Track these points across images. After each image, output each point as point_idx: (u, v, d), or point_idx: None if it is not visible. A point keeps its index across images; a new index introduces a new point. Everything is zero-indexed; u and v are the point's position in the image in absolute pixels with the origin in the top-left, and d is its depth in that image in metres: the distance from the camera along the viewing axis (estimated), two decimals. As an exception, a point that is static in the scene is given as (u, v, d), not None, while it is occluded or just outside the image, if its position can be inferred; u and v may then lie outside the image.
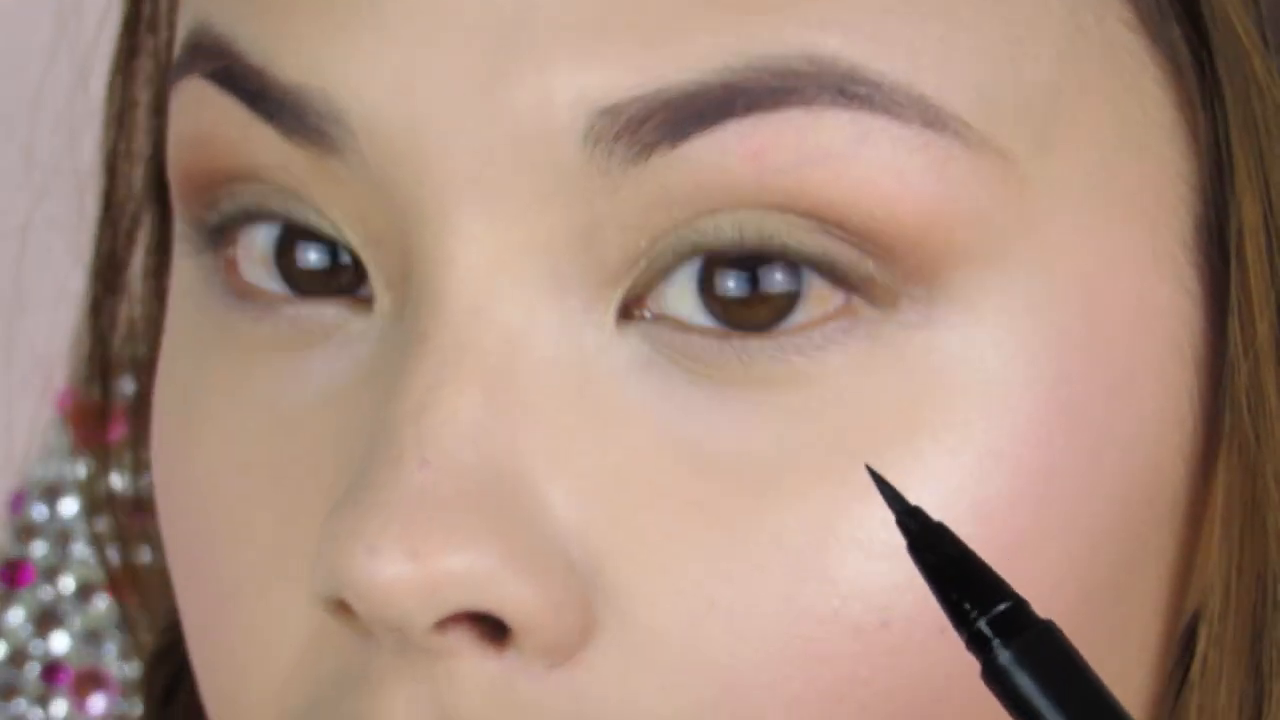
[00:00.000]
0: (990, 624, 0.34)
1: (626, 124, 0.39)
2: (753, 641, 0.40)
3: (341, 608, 0.40)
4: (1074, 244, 0.41)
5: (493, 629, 0.40)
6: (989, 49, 0.40)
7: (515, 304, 0.40)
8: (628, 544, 0.40)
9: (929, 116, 0.40)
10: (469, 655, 0.40)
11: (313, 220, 0.42)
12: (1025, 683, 0.34)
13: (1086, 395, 0.41)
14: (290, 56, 0.41)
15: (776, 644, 0.40)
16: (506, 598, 0.39)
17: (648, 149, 0.39)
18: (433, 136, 0.40)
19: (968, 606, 0.35)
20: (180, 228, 0.45)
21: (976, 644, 0.34)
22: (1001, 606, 0.35)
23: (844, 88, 0.39)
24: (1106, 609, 0.42)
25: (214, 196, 0.43)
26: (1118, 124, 0.42)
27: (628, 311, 0.41)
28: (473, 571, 0.39)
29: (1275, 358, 0.43)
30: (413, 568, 0.38)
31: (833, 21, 0.39)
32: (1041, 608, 0.38)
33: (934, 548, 0.35)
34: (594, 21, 0.39)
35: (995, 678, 0.34)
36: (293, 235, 0.43)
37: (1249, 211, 0.42)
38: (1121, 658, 0.43)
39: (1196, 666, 0.44)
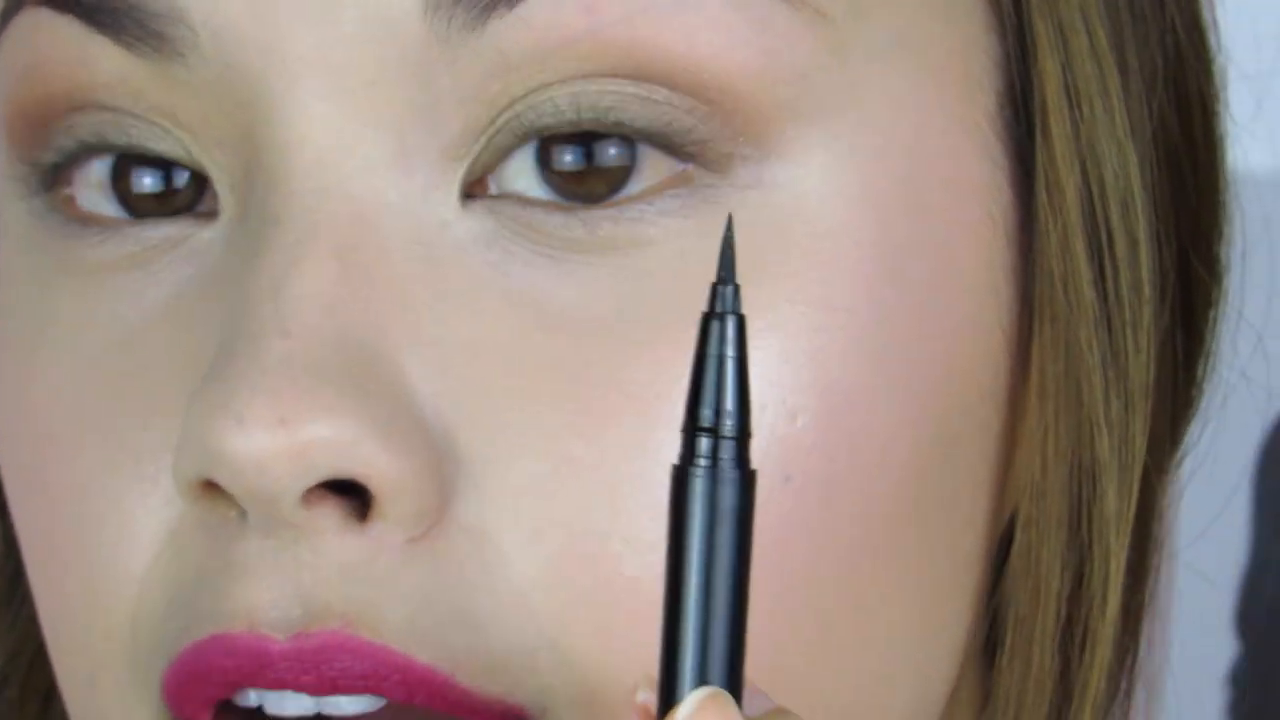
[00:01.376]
0: (711, 439, 0.36)
1: None
2: (606, 491, 0.41)
3: (206, 491, 0.40)
4: (890, 109, 0.43)
5: (355, 505, 0.40)
6: None
7: (363, 182, 0.41)
8: (481, 411, 0.41)
9: None
10: (334, 531, 0.40)
11: (149, 143, 0.42)
12: (698, 510, 0.36)
13: (910, 254, 0.43)
14: None
15: (629, 492, 0.41)
16: (372, 462, 0.40)
17: (486, 11, 0.40)
18: (274, 19, 0.40)
19: (708, 410, 0.36)
20: (10, 170, 0.45)
21: (687, 447, 0.36)
22: (729, 430, 0.36)
23: None
24: (934, 473, 0.43)
25: (48, 132, 0.43)
26: None
27: (470, 192, 0.42)
28: (339, 437, 0.40)
29: (1083, 225, 0.44)
30: (282, 434, 0.39)
31: None
32: (874, 462, 0.40)
33: (721, 336, 0.36)
34: None
35: (677, 484, 0.36)
36: (127, 163, 0.43)
37: (1050, 83, 0.44)
38: (949, 527, 0.44)
39: (1017, 537, 0.45)
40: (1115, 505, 0.45)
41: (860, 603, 0.41)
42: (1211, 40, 0.49)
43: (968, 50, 0.44)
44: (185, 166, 0.43)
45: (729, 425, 0.36)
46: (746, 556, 0.37)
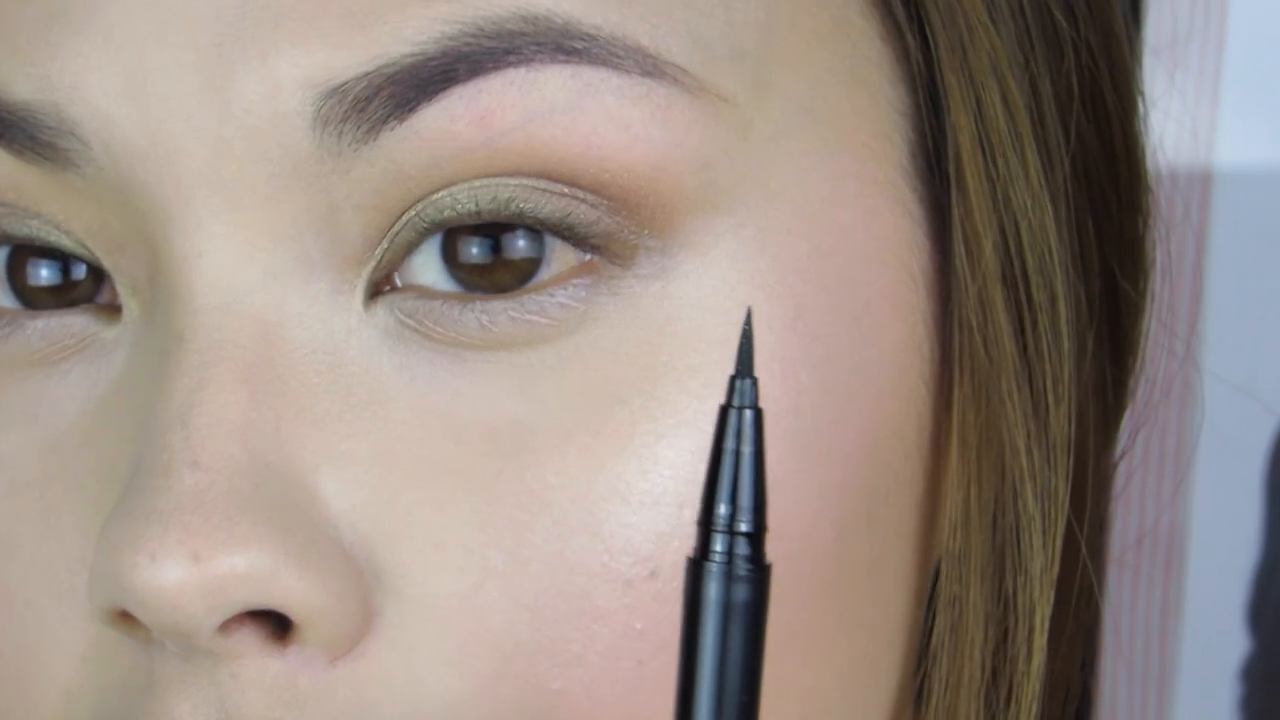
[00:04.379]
0: (726, 535, 0.36)
1: (354, 103, 0.39)
2: (528, 604, 0.40)
3: (123, 617, 0.40)
4: (798, 180, 0.42)
5: (275, 627, 0.40)
6: None
7: (265, 294, 0.40)
8: (398, 524, 0.40)
9: (647, 65, 0.40)
10: (253, 655, 0.40)
11: (44, 236, 0.42)
12: (712, 604, 0.36)
13: (826, 327, 0.42)
14: (17, 72, 0.41)
15: (551, 604, 0.40)
16: (290, 593, 0.39)
17: (377, 126, 0.39)
18: (166, 135, 0.40)
19: (722, 507, 0.36)
20: None
21: (702, 542, 0.36)
22: (744, 526, 0.36)
23: (561, 43, 0.40)
24: (861, 541, 0.43)
25: None
26: (828, 59, 0.42)
27: (376, 290, 0.41)
28: (254, 569, 0.39)
29: (1000, 276, 0.44)
30: (196, 570, 0.38)
31: None
32: (798, 542, 0.39)
33: (738, 430, 0.36)
34: (310, 9, 0.39)
35: (692, 578, 0.36)
36: (22, 254, 0.43)
37: (964, 133, 0.43)
38: (875, 591, 0.44)
39: (943, 590, 0.45)
40: (1039, 558, 0.45)
41: (787, 685, 0.41)
42: (1125, 46, 0.48)
43: (876, 109, 0.43)
44: (84, 261, 0.43)
45: (745, 521, 0.36)
46: (760, 652, 0.36)
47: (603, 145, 0.40)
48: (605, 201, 0.41)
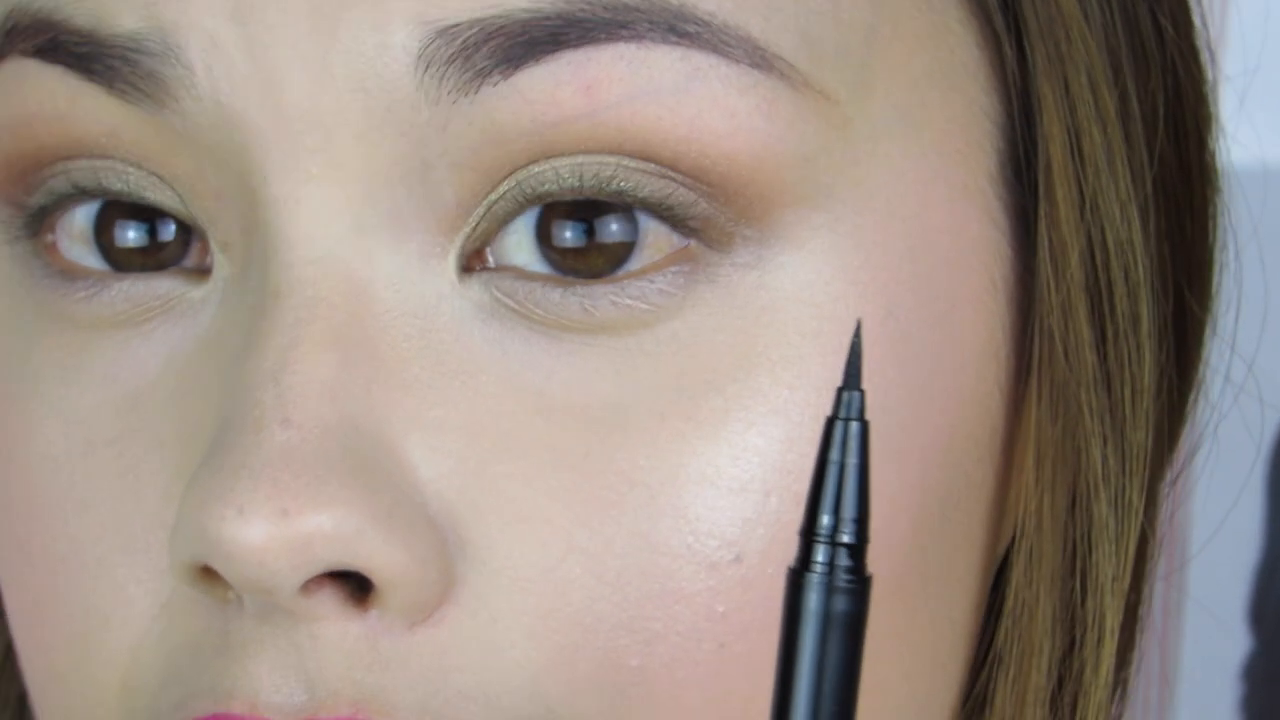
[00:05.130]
0: (828, 545, 0.35)
1: (461, 47, 0.39)
2: (610, 581, 0.40)
3: (202, 574, 0.40)
4: (894, 182, 0.42)
5: (356, 589, 0.40)
6: None
7: (356, 249, 0.40)
8: (484, 495, 0.40)
9: (756, 57, 0.40)
10: (333, 618, 0.39)
11: (144, 191, 0.42)
12: (811, 614, 0.35)
13: (913, 328, 0.42)
14: (123, 7, 0.40)
15: (634, 582, 0.40)
16: (374, 554, 0.39)
17: (479, 77, 0.39)
18: (271, 60, 0.39)
19: (825, 517, 0.35)
20: None
21: (804, 551, 0.35)
22: (847, 538, 0.35)
23: (674, 25, 0.39)
24: (934, 541, 0.43)
25: (37, 179, 0.42)
26: (928, 64, 0.42)
27: (469, 264, 0.41)
28: (341, 529, 0.38)
29: (1085, 288, 0.43)
30: (283, 526, 0.38)
31: None
32: (876, 538, 0.39)
33: (844, 442, 0.36)
34: None
35: (793, 587, 0.35)
36: (110, 214, 0.42)
37: (1056, 146, 0.43)
38: (946, 591, 0.44)
39: (1010, 598, 0.44)
40: (1110, 567, 0.45)
41: (865, 678, 0.41)
42: (1205, 68, 0.48)
43: (969, 115, 0.43)
44: (176, 218, 0.42)
45: (847, 532, 0.36)
46: (857, 663, 0.35)
47: (706, 131, 0.40)
48: (704, 187, 0.40)
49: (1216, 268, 0.49)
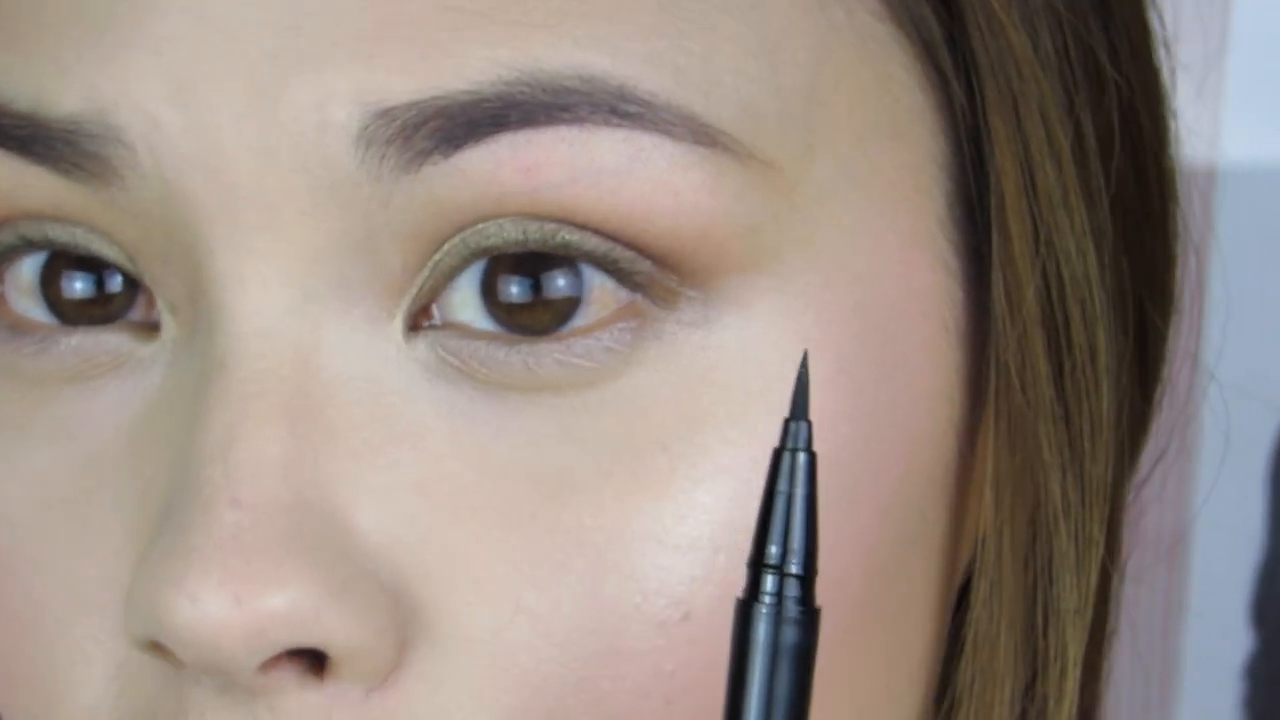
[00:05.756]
0: (777, 576, 0.36)
1: (400, 129, 0.39)
2: (559, 641, 0.40)
3: (157, 647, 0.40)
4: (841, 239, 0.42)
5: (312, 660, 0.40)
6: (749, 60, 0.41)
7: (303, 318, 0.40)
8: (433, 558, 0.40)
9: (700, 134, 0.40)
10: (291, 690, 0.39)
11: (87, 244, 0.42)
12: (760, 646, 0.36)
13: (864, 381, 0.42)
14: (63, 88, 0.40)
15: (581, 642, 0.40)
16: (331, 632, 0.39)
17: (420, 157, 0.39)
18: (213, 141, 0.39)
19: (773, 548, 0.36)
20: None
21: (752, 582, 0.36)
22: (795, 568, 0.36)
23: (615, 107, 0.39)
24: (892, 585, 0.43)
25: None
26: (871, 115, 0.42)
27: (415, 323, 0.41)
28: (296, 610, 0.39)
29: (1041, 322, 0.43)
30: (237, 612, 0.38)
31: (603, 40, 0.39)
32: (833, 589, 0.39)
33: (791, 473, 0.36)
34: (372, 29, 0.39)
35: (742, 618, 0.36)
36: (57, 266, 0.42)
37: (1008, 179, 0.43)
38: (906, 630, 0.44)
39: (971, 630, 0.45)
40: (1073, 598, 0.45)
41: (822, 716, 0.41)
42: (1162, 78, 0.48)
43: (916, 162, 0.43)
44: (123, 272, 0.42)
45: (795, 563, 0.36)
46: (807, 694, 0.36)
47: (650, 209, 0.40)
48: (649, 257, 0.40)
49: (1177, 277, 0.49)
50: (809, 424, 0.36)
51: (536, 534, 0.40)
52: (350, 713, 0.40)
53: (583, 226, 0.40)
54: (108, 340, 0.43)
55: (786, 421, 0.36)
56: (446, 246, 0.40)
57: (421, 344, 0.41)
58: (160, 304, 0.42)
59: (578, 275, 0.40)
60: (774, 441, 0.39)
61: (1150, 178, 0.48)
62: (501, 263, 0.41)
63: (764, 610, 0.35)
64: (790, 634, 0.36)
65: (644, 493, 0.40)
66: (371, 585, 0.40)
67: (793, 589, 0.36)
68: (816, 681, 0.38)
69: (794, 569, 0.36)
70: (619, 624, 0.40)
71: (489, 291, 0.41)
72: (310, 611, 0.39)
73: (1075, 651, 0.45)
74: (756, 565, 0.36)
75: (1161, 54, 0.48)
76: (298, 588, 0.39)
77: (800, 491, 0.36)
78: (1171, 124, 0.49)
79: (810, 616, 0.36)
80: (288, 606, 0.38)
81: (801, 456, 0.36)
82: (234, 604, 0.38)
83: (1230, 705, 1.08)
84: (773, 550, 0.36)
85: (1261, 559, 1.09)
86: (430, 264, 0.40)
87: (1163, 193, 0.48)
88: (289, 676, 0.40)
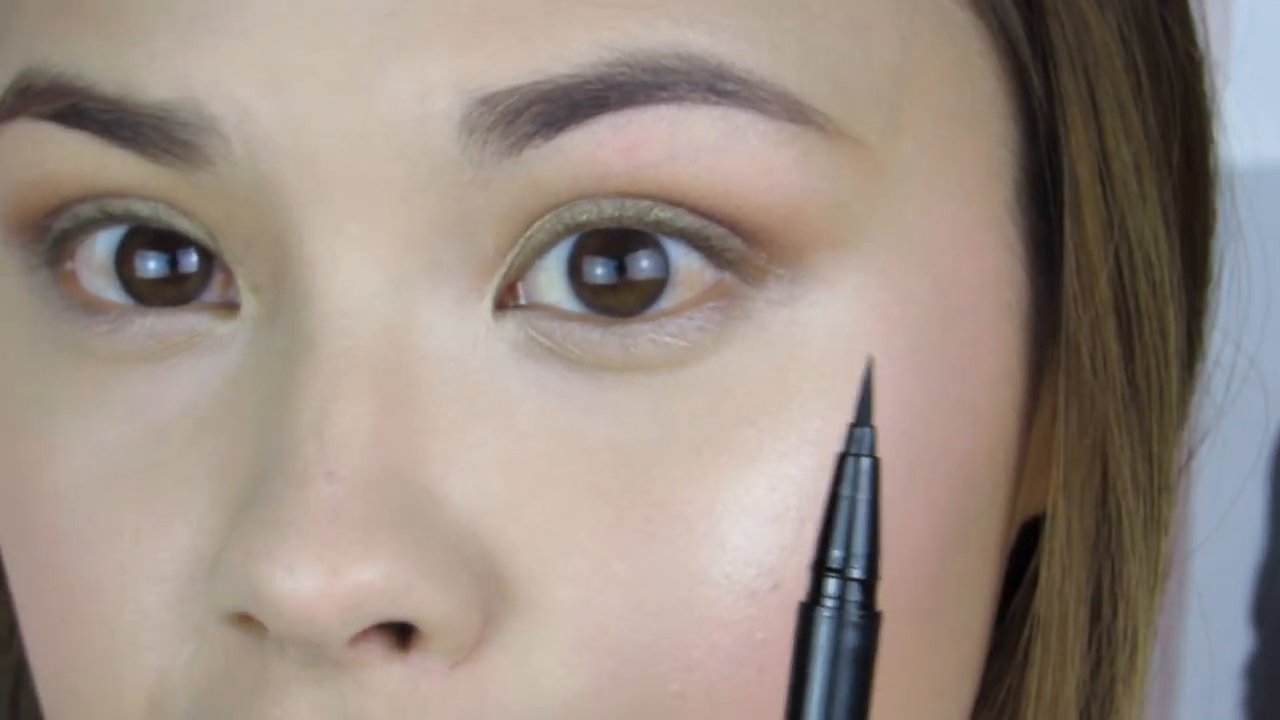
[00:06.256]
0: (839, 580, 0.36)
1: (503, 114, 0.39)
2: (650, 611, 0.40)
3: (242, 619, 0.40)
4: (921, 220, 0.42)
5: (399, 634, 0.40)
6: (841, 38, 0.41)
7: (394, 300, 0.40)
8: (521, 532, 0.40)
9: (793, 111, 0.40)
10: (378, 664, 0.40)
11: (166, 218, 0.42)
12: (822, 648, 0.36)
13: (938, 360, 0.42)
14: (151, 75, 0.40)
15: (673, 611, 0.40)
16: (422, 605, 0.39)
17: (522, 140, 0.39)
18: (309, 132, 0.39)
19: (836, 552, 0.36)
20: (8, 237, 0.44)
21: (815, 586, 0.36)
22: (857, 573, 0.36)
23: (713, 85, 0.40)
24: (958, 562, 0.43)
25: (58, 214, 0.42)
26: (953, 99, 0.43)
27: (502, 302, 0.41)
28: (390, 584, 0.39)
29: (1114, 306, 0.44)
30: (333, 584, 0.38)
31: (700, 19, 0.40)
32: (905, 563, 0.40)
33: (854, 478, 0.36)
34: (470, 15, 0.39)
35: (803, 621, 0.36)
36: (131, 245, 0.42)
37: (1084, 164, 0.43)
38: (967, 611, 0.44)
39: (1040, 612, 0.45)
40: (1143, 581, 0.45)
41: (884, 697, 0.41)
42: (1206, 71, 0.49)
43: (990, 146, 0.44)
44: (200, 246, 0.42)
45: (858, 567, 0.36)
46: (867, 698, 0.36)
47: (744, 186, 0.40)
48: (740, 231, 0.41)
49: (1216, 265, 0.49)
50: (873, 429, 0.36)
51: (626, 507, 0.41)
52: (436, 685, 0.40)
53: (678, 204, 0.40)
54: (183, 320, 0.42)
55: (851, 427, 0.36)
56: (539, 223, 0.40)
57: (510, 323, 0.41)
58: (241, 283, 0.42)
59: (664, 257, 0.41)
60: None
61: (1198, 166, 0.48)
62: (588, 244, 0.41)
63: (826, 614, 0.36)
64: (851, 638, 0.36)
65: (732, 466, 0.41)
66: (460, 559, 0.40)
67: (854, 593, 0.36)
68: (892, 657, 0.38)
69: (856, 573, 0.36)
70: (710, 594, 0.40)
71: (575, 272, 0.41)
72: (403, 584, 0.39)
73: (1146, 633, 0.45)
74: (819, 568, 0.36)
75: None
76: (391, 561, 0.39)
77: (863, 496, 0.36)
78: (1213, 113, 0.49)
79: (872, 621, 0.36)
80: (383, 579, 0.39)
81: (865, 462, 0.36)
82: (330, 576, 0.38)
83: (1230, 705, 1.09)
84: (836, 554, 0.36)
85: (1261, 559, 1.09)
86: (521, 240, 0.41)
87: (1208, 180, 0.49)
88: (376, 650, 0.40)
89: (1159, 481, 0.45)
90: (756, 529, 0.41)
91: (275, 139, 0.40)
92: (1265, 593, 1.09)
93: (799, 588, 0.39)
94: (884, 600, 0.40)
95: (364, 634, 0.39)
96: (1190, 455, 0.54)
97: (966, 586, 0.44)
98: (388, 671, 0.40)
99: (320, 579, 0.38)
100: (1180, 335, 0.45)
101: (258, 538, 0.39)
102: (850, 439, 0.36)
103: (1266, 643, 1.09)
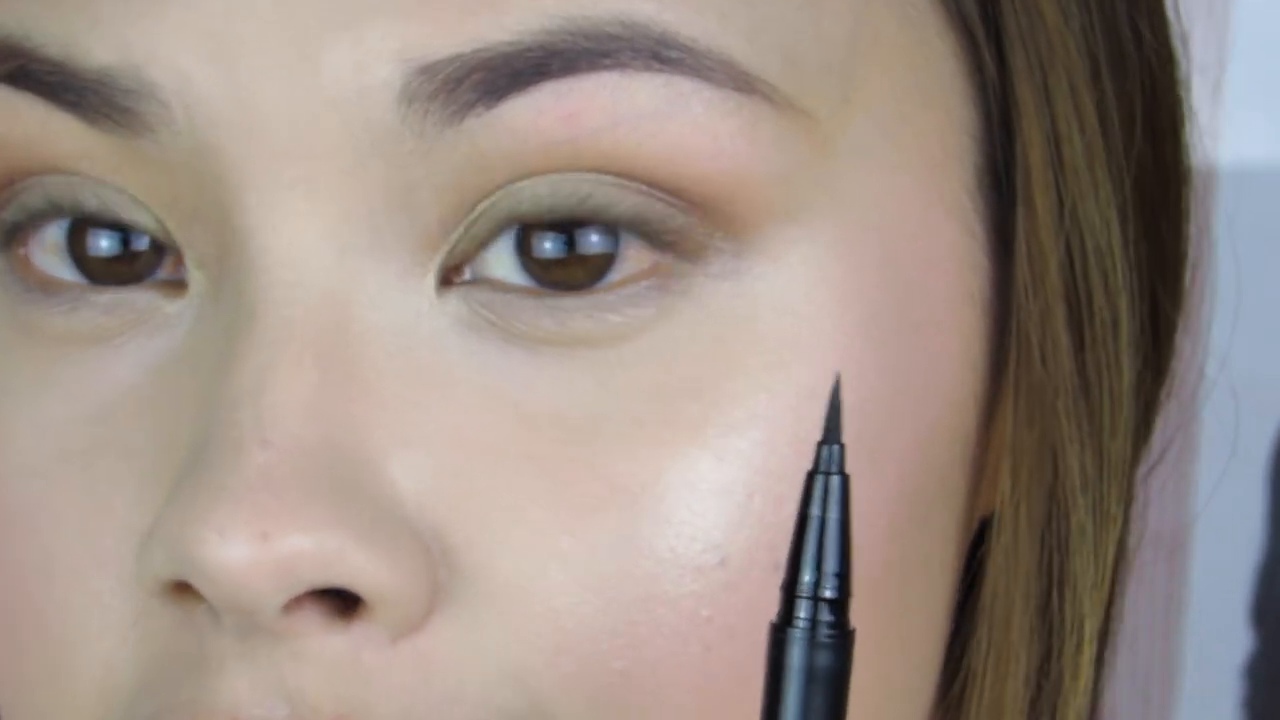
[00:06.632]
0: (810, 601, 0.35)
1: (443, 83, 0.39)
2: (594, 586, 0.40)
3: (176, 590, 0.40)
4: (872, 195, 0.42)
5: (339, 604, 0.40)
6: (791, 10, 0.41)
7: (338, 272, 0.40)
8: (466, 507, 0.40)
9: (739, 81, 0.40)
10: (315, 634, 0.39)
11: (111, 209, 0.41)
12: (795, 670, 0.35)
13: (893, 335, 0.42)
14: (95, 40, 0.40)
15: (618, 587, 0.40)
16: (359, 572, 0.39)
17: (463, 109, 0.39)
18: (251, 101, 0.39)
19: (807, 574, 0.35)
20: None
21: (786, 606, 0.35)
22: (829, 593, 0.35)
23: (657, 52, 0.40)
24: (913, 545, 0.43)
25: (7, 195, 0.42)
26: (906, 76, 0.42)
27: (447, 279, 0.41)
28: (323, 549, 0.38)
29: (1064, 295, 0.43)
30: (264, 549, 0.38)
31: None
32: (856, 543, 0.39)
33: (824, 496, 0.36)
34: None
35: (775, 643, 0.35)
36: (84, 224, 0.42)
37: (1035, 149, 0.43)
38: (923, 597, 0.44)
39: (986, 603, 0.44)
40: (1090, 573, 0.45)
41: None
42: (1179, 66, 0.48)
43: (947, 127, 0.43)
44: (149, 235, 0.42)
45: (829, 587, 0.36)
46: (842, 717, 0.36)
47: (688, 154, 0.40)
48: (683, 204, 0.40)
49: (1189, 266, 0.49)
50: (842, 447, 0.36)
51: (570, 480, 0.40)
52: (377, 656, 0.40)
53: (621, 175, 0.40)
54: (134, 299, 0.42)
55: (819, 445, 0.36)
56: (480, 209, 0.40)
57: (454, 298, 0.41)
58: (188, 261, 0.41)
59: (612, 233, 0.41)
60: (807, 388, 0.40)
61: (1168, 164, 0.48)
62: (535, 223, 0.40)
63: (798, 635, 0.36)
64: (824, 659, 0.36)
65: (676, 440, 0.40)
66: (401, 530, 0.40)
67: (826, 613, 0.36)
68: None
69: (828, 593, 0.36)
70: (655, 569, 0.40)
71: (524, 248, 0.41)
72: (337, 551, 0.39)
73: (1092, 626, 0.45)
74: (790, 590, 0.35)
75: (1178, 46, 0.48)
76: (326, 528, 0.39)
77: (833, 515, 0.36)
78: (1186, 114, 0.49)
79: (845, 640, 0.35)
80: (315, 545, 0.38)
81: (834, 480, 0.36)
82: (262, 540, 0.38)
83: (1230, 705, 1.09)
84: (806, 577, 0.36)
85: (1261, 559, 1.09)
86: (464, 224, 0.41)
87: (1179, 180, 0.49)
88: (313, 620, 0.39)
89: (1108, 474, 0.45)
90: (702, 504, 0.40)
91: (216, 107, 0.39)
92: (1265, 593, 1.09)
93: (746, 563, 0.40)
94: None
95: (299, 602, 0.39)
96: (1187, 454, 0.54)
97: (924, 572, 0.44)
98: (326, 642, 0.39)
99: (252, 544, 0.38)
100: (1134, 329, 0.45)
101: (191, 503, 0.38)
102: (819, 457, 0.36)
103: (1266, 643, 1.09)
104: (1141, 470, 0.49)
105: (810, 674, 0.35)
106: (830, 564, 0.35)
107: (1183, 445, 0.52)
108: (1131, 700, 1.02)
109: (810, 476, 0.36)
